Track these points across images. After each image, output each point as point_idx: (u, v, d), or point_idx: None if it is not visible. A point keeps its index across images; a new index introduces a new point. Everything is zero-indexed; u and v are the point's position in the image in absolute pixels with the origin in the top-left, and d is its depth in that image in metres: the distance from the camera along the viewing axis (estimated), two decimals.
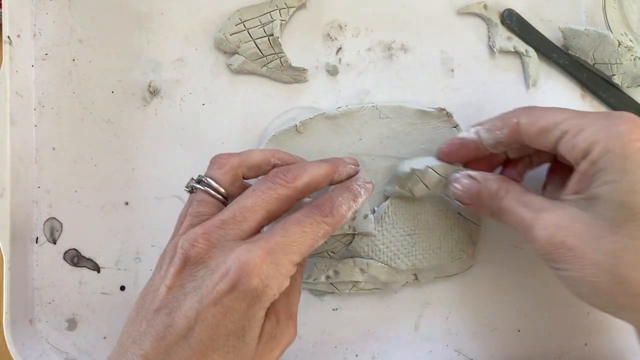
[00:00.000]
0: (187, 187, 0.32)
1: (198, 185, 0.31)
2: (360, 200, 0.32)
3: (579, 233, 0.28)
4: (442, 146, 0.35)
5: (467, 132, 0.34)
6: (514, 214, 0.31)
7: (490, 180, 0.33)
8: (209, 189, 0.30)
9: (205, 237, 0.28)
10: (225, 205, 0.30)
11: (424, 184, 0.35)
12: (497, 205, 0.32)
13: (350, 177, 0.33)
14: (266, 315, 0.28)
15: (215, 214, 0.29)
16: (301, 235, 0.28)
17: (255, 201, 0.29)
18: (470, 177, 0.34)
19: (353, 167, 0.33)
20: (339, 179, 0.33)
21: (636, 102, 0.40)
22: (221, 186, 0.31)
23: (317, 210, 0.29)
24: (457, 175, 0.34)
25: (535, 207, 0.30)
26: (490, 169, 0.36)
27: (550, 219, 0.29)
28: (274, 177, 0.30)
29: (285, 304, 0.30)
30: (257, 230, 0.29)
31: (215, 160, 0.31)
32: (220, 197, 0.31)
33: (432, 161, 0.35)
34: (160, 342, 0.26)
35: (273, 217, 0.30)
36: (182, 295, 0.27)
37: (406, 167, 0.36)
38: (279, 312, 0.29)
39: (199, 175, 0.31)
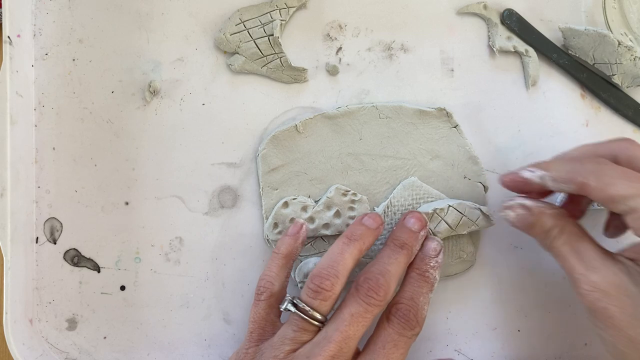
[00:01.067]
0: (284, 308, 0.32)
1: (301, 314, 0.31)
2: (435, 286, 0.33)
3: (623, 306, 0.28)
4: (505, 175, 0.34)
5: (532, 174, 0.32)
6: (564, 259, 0.31)
7: (545, 215, 0.32)
8: (313, 322, 0.31)
9: None
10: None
11: (447, 224, 0.35)
12: (549, 243, 0.32)
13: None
14: None
15: (313, 337, 0.31)
16: (400, 356, 0.31)
17: (357, 329, 0.30)
18: (525, 207, 0.32)
19: (423, 233, 0.34)
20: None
21: (636, 102, 0.40)
22: (324, 315, 0.31)
23: (407, 325, 0.31)
24: (512, 202, 0.33)
25: (586, 262, 0.30)
26: (549, 196, 0.34)
27: (599, 283, 0.29)
28: (368, 298, 0.31)
29: None
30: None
31: (319, 290, 0.31)
32: (322, 324, 0.32)
33: (452, 201, 0.36)
34: None
35: None
36: None
37: (427, 208, 0.36)
38: None
39: (298, 299, 0.32)
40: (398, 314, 0.32)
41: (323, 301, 0.31)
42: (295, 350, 0.31)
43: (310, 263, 0.37)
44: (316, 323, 0.31)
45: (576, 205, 0.35)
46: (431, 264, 0.33)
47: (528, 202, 0.33)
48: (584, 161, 0.31)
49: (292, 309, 0.31)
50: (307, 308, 0.31)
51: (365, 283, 0.31)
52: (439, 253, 0.34)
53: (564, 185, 0.31)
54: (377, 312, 0.31)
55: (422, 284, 0.33)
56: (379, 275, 0.31)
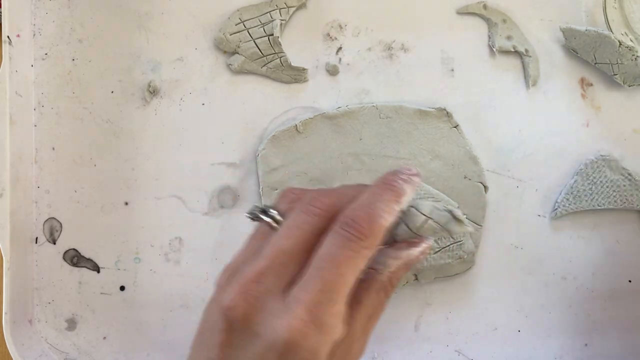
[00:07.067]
0: (249, 213, 0.28)
1: (262, 216, 0.27)
2: (404, 199, 0.26)
3: None
4: None
5: None
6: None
7: None
8: (272, 222, 0.27)
9: (243, 296, 0.24)
10: None
11: (407, 227, 0.29)
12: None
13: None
14: None
15: None
16: (339, 277, 0.24)
17: (293, 242, 0.25)
18: None
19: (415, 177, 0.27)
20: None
21: None
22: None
23: (351, 234, 0.24)
24: None
25: None
26: None
27: None
28: (308, 207, 0.25)
29: (345, 349, 0.26)
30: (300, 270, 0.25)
31: (286, 194, 0.28)
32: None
33: (420, 200, 0.30)
34: None
35: None
36: (235, 353, 0.24)
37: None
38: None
39: (265, 205, 0.28)
40: (341, 223, 0.25)
41: (288, 203, 0.27)
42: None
43: None
44: (275, 225, 0.27)
45: None
46: (402, 176, 0.27)
47: None
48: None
49: (258, 211, 0.27)
50: (269, 209, 0.27)
51: (313, 193, 0.26)
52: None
53: None
54: (321, 224, 0.25)
55: (383, 191, 0.26)
56: (337, 188, 0.27)
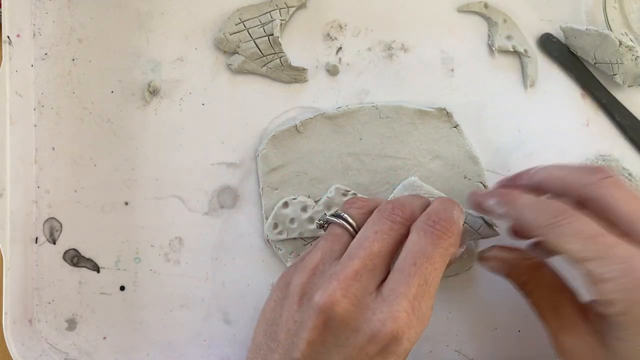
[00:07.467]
0: (320, 220, 0.32)
1: (334, 219, 0.30)
2: (463, 213, 0.31)
3: None
4: (474, 196, 0.34)
5: (496, 206, 0.31)
6: (541, 313, 0.32)
7: (519, 268, 0.32)
8: (345, 223, 0.30)
9: (344, 293, 0.26)
10: None
11: None
12: (525, 294, 0.32)
13: None
14: None
15: (344, 251, 0.29)
16: (434, 272, 0.27)
17: (382, 245, 0.28)
18: (498, 259, 0.33)
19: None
20: None
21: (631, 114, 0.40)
22: (357, 224, 0.30)
23: (440, 233, 0.28)
24: (487, 253, 0.34)
25: (560, 318, 0.30)
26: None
27: (568, 343, 0.29)
28: (392, 216, 0.29)
29: None
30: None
31: (354, 202, 0.31)
32: (355, 233, 0.30)
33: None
34: None
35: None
36: (325, 350, 0.26)
37: None
38: None
39: (336, 211, 0.31)
40: (429, 222, 0.28)
41: (358, 209, 0.30)
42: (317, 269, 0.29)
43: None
44: (347, 226, 0.30)
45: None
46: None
47: (503, 254, 0.33)
48: (545, 207, 0.28)
49: (329, 216, 0.31)
50: (341, 213, 0.30)
51: (389, 204, 0.30)
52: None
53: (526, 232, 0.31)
54: (402, 231, 0.29)
55: (452, 203, 0.30)
56: (404, 198, 0.31)
